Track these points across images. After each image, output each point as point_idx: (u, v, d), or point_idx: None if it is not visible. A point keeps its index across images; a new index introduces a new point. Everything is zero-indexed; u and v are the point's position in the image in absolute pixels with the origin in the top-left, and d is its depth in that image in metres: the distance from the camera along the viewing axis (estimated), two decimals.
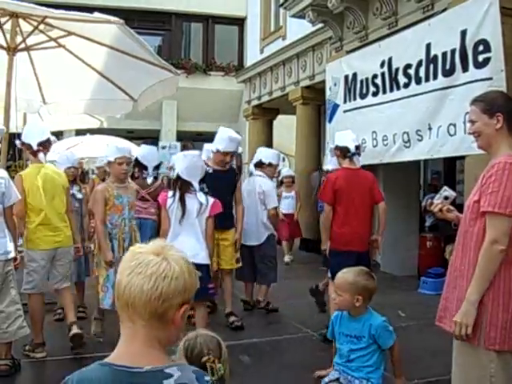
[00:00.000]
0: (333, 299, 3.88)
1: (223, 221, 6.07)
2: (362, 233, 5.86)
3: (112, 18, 6.06)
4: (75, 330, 5.25)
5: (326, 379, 3.88)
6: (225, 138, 6.38)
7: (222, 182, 6.32)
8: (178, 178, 5.36)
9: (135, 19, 19.06)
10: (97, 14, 6.16)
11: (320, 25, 11.60)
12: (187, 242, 5.12)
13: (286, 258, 11.30)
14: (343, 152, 5.98)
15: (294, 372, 4.96)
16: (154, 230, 6.59)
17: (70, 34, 6.98)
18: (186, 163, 5.35)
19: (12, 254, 4.74)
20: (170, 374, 1.57)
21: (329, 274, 6.12)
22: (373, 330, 3.69)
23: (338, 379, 3.80)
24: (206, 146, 7.44)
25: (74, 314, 5.50)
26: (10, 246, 4.74)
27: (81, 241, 6.13)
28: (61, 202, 5.54)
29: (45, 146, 5.54)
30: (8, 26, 6.80)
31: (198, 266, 4.66)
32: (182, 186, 5.33)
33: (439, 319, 3.11)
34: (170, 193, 5.40)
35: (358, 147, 6.06)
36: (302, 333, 6.03)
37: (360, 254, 5.75)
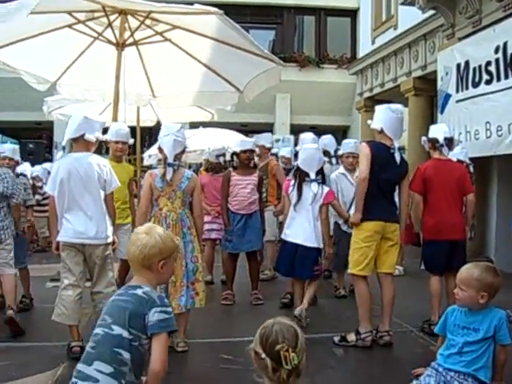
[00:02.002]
0: (455, 294, 3.67)
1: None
2: (454, 221, 5.83)
3: (212, 9, 6.16)
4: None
5: (421, 378, 3.72)
6: None
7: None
8: (298, 167, 6.09)
9: (248, 14, 19.33)
10: (197, 6, 6.27)
11: (431, 12, 11.18)
12: (301, 226, 5.97)
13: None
14: (432, 143, 6.07)
15: (388, 367, 4.80)
16: None
17: (174, 27, 7.19)
18: (304, 155, 6.06)
19: (111, 239, 5.00)
20: (142, 287, 2.74)
21: (422, 266, 6.09)
22: (495, 320, 3.52)
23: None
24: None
25: None
26: (110, 231, 5.00)
27: None
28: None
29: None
30: (117, 23, 7.09)
31: (308, 249, 5.40)
32: (300, 175, 6.02)
33: None
34: (292, 181, 6.12)
35: (449, 139, 6.06)
36: (402, 328, 5.80)
37: (454, 243, 5.81)
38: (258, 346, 2.26)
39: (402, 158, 5.38)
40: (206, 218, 7.36)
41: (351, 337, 5.22)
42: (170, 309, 2.73)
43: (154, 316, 2.62)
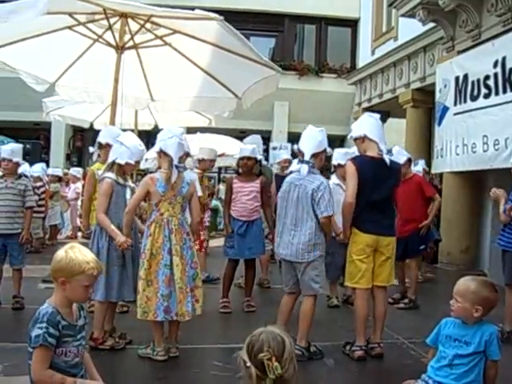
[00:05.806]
0: (451, 305, 3.64)
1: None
2: None
3: (212, 15, 6.17)
4: None
5: None
6: None
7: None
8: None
9: (249, 21, 19.38)
10: (197, 11, 6.28)
11: (432, 24, 11.24)
12: None
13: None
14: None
15: (378, 379, 4.79)
16: None
17: (175, 32, 7.19)
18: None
19: None
20: (45, 303, 2.88)
21: None
22: (486, 335, 3.48)
23: None
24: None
25: None
26: None
27: None
28: None
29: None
30: (117, 26, 7.10)
31: None
32: None
33: None
34: None
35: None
36: (393, 339, 5.77)
37: None
38: (245, 353, 2.24)
39: (391, 160, 5.28)
40: None
41: (349, 345, 5.24)
42: (44, 324, 2.77)
43: (33, 331, 2.78)
